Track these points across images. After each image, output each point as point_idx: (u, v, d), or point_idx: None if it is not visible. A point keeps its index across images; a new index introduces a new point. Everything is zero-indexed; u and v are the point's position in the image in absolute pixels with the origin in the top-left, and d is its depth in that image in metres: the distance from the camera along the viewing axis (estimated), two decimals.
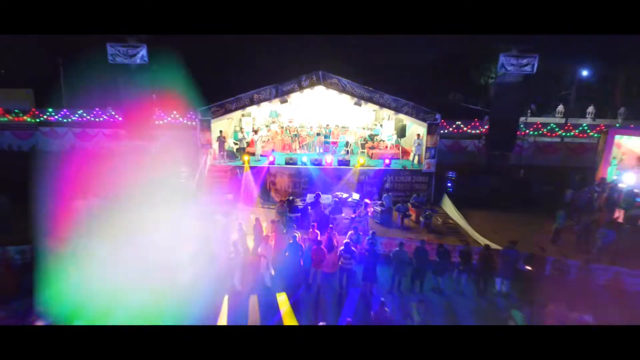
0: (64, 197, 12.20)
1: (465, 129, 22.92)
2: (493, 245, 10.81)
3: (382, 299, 7.28)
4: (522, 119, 29.16)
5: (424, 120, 15.35)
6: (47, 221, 11.14)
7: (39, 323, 7.79)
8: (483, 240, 11.88)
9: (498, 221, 14.10)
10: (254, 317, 8.42)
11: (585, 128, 22.88)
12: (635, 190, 14.77)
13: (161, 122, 21.90)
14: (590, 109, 31.76)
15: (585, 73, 32.65)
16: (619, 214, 13.83)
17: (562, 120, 29.19)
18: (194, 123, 22.71)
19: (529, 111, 33.49)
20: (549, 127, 23.09)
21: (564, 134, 23.01)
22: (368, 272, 8.87)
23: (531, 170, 18.96)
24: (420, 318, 6.94)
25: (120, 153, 18.82)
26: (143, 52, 14.29)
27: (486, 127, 19.52)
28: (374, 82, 17.14)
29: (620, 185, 15.37)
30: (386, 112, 18.08)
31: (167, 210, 13.12)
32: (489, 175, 15.81)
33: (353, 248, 9.26)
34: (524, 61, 14.36)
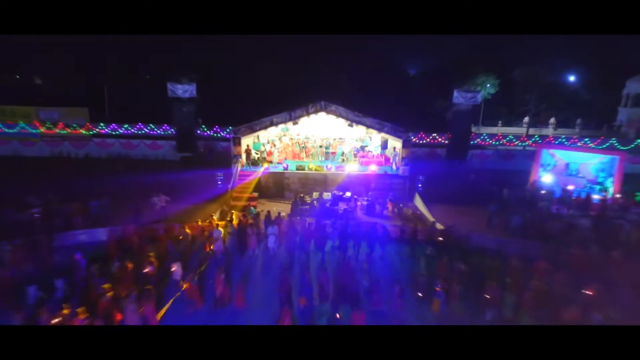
0: (144, 195, 17.50)
1: (439, 139, 28.18)
2: (439, 226, 16.04)
3: (349, 254, 12.56)
4: (495, 128, 34.36)
5: (399, 137, 20.60)
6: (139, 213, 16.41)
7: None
8: (439, 225, 17.05)
9: (451, 211, 19.24)
10: (258, 269, 13.55)
11: (537, 139, 28.11)
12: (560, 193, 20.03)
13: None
14: (552, 120, 37.10)
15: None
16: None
17: (524, 131, 34.45)
18: (219, 135, 28.10)
19: (499, 122, 38.80)
20: (508, 138, 28.34)
21: (520, 143, 28.25)
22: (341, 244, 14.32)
23: (489, 174, 24.13)
24: (367, 267, 12.13)
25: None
26: (193, 89, 19.54)
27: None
28: (372, 89, 21.87)
29: (544, 184, 20.66)
30: None
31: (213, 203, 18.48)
32: (448, 178, 21.04)
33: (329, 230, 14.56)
34: (470, 95, 19.64)
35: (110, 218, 16.79)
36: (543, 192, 19.77)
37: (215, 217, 16.76)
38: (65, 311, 9.44)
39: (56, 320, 9.34)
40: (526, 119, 36.19)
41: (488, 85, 36.43)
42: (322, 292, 10.84)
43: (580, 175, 22.04)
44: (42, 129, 28.33)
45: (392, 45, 47.29)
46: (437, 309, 10.00)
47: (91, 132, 28.61)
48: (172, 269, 12.76)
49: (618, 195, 18.93)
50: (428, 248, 13.44)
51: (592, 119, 38.16)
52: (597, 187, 20.99)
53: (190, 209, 18.39)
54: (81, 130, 28.55)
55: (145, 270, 12.75)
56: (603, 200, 18.42)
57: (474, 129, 36.81)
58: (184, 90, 19.36)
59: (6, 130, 28.23)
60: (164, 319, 10.36)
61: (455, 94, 19.91)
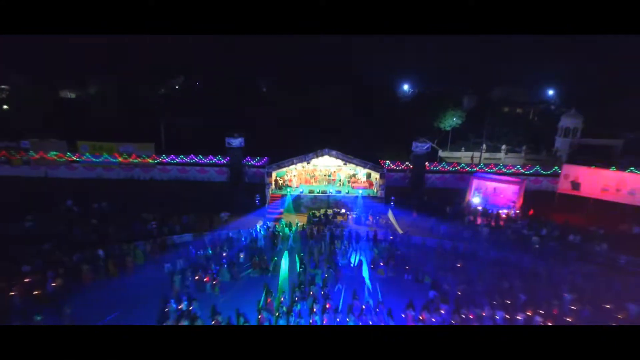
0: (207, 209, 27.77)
1: (411, 166, 38.28)
2: (401, 231, 26.24)
3: (337, 246, 22.86)
4: (464, 153, 44.39)
5: (377, 171, 30.86)
6: (212, 223, 26.57)
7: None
8: (400, 230, 27.21)
9: (411, 222, 29.40)
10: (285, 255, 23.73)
11: (482, 166, 38.26)
12: (479, 207, 30.23)
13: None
14: (504, 146, 47.21)
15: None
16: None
17: (476, 159, 44.51)
18: (249, 163, 38.37)
19: (462, 148, 48.76)
20: (461, 165, 38.48)
21: (470, 169, 38.34)
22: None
23: (445, 193, 34.39)
24: (346, 253, 22.34)
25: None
26: (242, 140, 29.89)
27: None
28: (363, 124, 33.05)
29: (474, 203, 30.88)
30: None
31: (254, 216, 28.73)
32: (410, 199, 31.30)
33: (326, 232, 24.84)
34: (424, 144, 29.89)
35: (194, 227, 27.08)
36: (472, 209, 30.01)
37: (258, 226, 27.11)
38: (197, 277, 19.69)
39: (196, 277, 19.70)
40: (484, 146, 46.24)
41: (454, 118, 46.57)
42: (320, 264, 21.00)
43: (502, 196, 32.28)
44: (120, 159, 38.58)
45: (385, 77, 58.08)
46: (381, 273, 20.31)
47: (156, 161, 38.90)
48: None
49: (517, 211, 29.15)
50: (382, 242, 23.81)
51: (538, 145, 48.32)
52: (510, 204, 31.22)
53: (242, 220, 28.60)
54: (148, 160, 38.81)
55: (224, 254, 23.20)
56: (507, 215, 28.63)
57: (441, 154, 47.08)
58: (237, 142, 29.71)
59: (93, 159, 38.54)
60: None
61: (414, 144, 30.20)
